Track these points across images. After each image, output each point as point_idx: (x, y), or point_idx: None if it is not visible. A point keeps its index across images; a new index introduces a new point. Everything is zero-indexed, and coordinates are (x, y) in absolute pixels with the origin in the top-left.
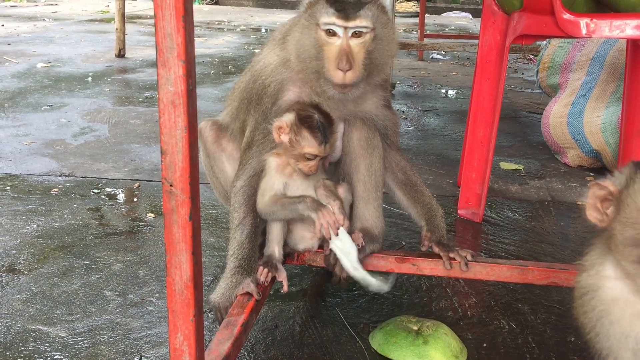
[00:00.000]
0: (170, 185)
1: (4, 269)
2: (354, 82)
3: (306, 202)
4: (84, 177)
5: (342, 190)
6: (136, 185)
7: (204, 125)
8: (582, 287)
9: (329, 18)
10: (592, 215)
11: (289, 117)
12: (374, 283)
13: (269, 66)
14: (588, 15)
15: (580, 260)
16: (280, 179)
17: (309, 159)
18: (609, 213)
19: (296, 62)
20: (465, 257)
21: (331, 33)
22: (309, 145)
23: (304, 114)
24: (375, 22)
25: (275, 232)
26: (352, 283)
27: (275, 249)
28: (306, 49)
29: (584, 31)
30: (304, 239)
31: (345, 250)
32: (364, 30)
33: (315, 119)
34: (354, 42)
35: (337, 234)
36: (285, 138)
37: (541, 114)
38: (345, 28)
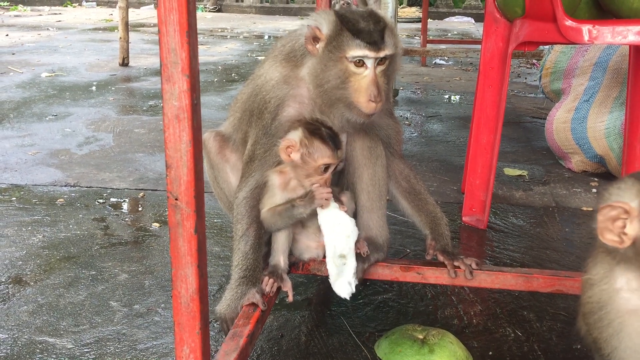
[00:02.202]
0: (176, 199)
1: (10, 280)
2: (381, 109)
3: (297, 205)
4: (89, 187)
5: (345, 199)
6: (141, 194)
7: (207, 136)
8: (594, 301)
9: (361, 51)
10: (609, 239)
11: (296, 135)
12: (342, 281)
13: (270, 82)
14: (590, 22)
15: (586, 275)
16: (283, 196)
17: (323, 171)
18: (628, 232)
19: (316, 92)
20: (470, 265)
21: (359, 64)
22: (323, 155)
23: (312, 127)
24: (393, 46)
25: (280, 242)
26: (357, 292)
27: (280, 258)
28: (330, 79)
29: (586, 37)
30: (309, 248)
31: (336, 229)
32: (388, 57)
33: (323, 130)
34: (379, 70)
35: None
36: (296, 156)
37: (545, 119)
38: (375, 58)
